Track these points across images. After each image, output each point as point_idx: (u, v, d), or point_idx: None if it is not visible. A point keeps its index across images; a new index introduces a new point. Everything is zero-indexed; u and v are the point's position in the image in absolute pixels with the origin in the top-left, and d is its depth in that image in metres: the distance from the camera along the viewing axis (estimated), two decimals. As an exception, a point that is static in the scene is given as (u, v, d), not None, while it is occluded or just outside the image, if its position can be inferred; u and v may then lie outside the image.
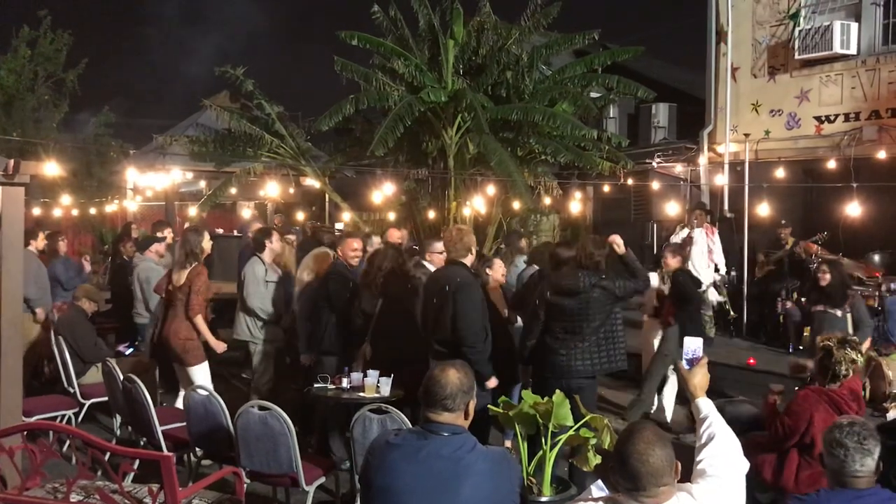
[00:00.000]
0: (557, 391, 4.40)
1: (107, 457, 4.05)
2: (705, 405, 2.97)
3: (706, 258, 10.11)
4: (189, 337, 6.52)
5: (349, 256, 6.81)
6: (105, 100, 18.61)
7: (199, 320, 6.53)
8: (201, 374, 6.57)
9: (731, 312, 10.89)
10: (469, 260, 5.81)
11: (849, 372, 4.68)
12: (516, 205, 12.10)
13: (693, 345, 3.16)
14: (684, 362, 3.11)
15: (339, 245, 6.99)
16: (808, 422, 4.62)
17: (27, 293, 6.95)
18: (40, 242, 8.66)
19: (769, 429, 4.91)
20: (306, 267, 7.29)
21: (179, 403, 6.77)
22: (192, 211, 13.36)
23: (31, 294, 7.68)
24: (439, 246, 6.40)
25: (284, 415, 4.80)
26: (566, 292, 5.47)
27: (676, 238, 10.32)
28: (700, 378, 3.03)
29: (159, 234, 9.14)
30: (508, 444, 6.19)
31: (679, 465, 2.59)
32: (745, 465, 2.83)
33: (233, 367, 8.60)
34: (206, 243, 6.79)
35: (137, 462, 5.11)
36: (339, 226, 14.74)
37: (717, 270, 10.30)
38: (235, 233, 14.11)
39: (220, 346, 6.80)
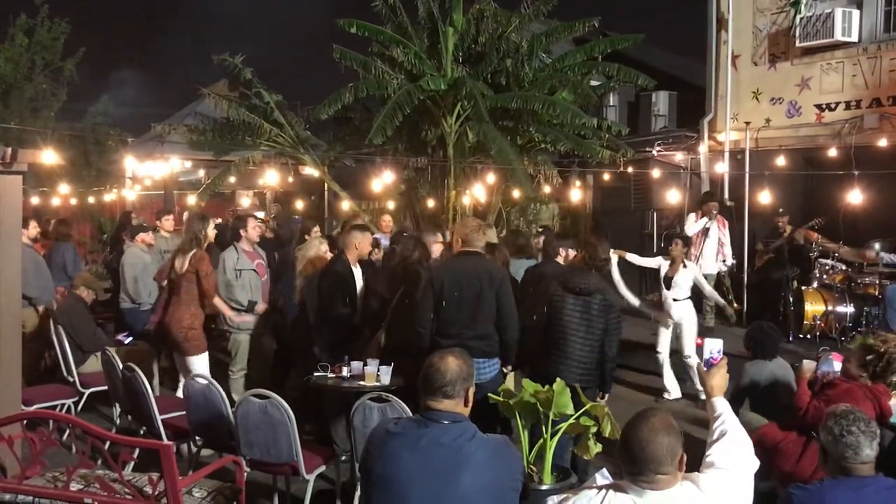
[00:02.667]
0: (558, 379, 4.40)
1: (106, 446, 4.05)
2: (720, 404, 3.03)
3: (716, 250, 10.15)
4: (191, 326, 6.51)
5: (365, 252, 6.55)
6: (103, 89, 18.42)
7: (218, 301, 6.78)
8: (200, 363, 6.56)
9: (735, 304, 10.85)
10: None
11: None
12: (516, 193, 12.08)
13: (714, 346, 3.19)
14: (703, 363, 3.15)
15: (353, 240, 6.46)
16: None
17: (27, 292, 6.95)
18: (32, 231, 8.62)
19: (799, 405, 4.89)
20: (303, 259, 7.25)
21: (179, 393, 6.76)
22: (192, 200, 13.33)
23: (32, 293, 7.65)
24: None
25: (284, 403, 4.79)
26: (575, 291, 5.45)
27: (696, 227, 10.19)
28: (718, 379, 3.10)
29: (162, 221, 9.30)
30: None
31: (685, 457, 2.60)
32: (755, 464, 2.86)
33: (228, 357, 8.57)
34: (211, 230, 6.82)
35: (137, 451, 5.13)
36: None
37: (724, 262, 10.33)
38: (234, 222, 14.06)
39: (235, 315, 7.08)
